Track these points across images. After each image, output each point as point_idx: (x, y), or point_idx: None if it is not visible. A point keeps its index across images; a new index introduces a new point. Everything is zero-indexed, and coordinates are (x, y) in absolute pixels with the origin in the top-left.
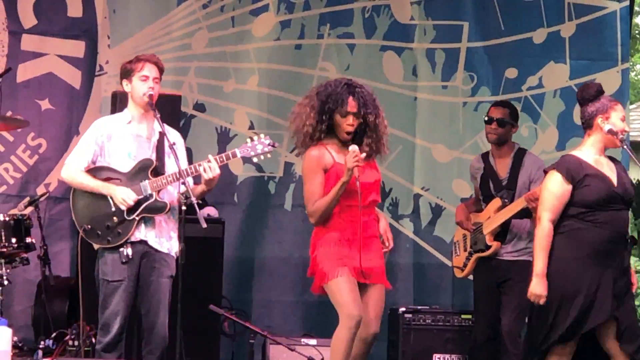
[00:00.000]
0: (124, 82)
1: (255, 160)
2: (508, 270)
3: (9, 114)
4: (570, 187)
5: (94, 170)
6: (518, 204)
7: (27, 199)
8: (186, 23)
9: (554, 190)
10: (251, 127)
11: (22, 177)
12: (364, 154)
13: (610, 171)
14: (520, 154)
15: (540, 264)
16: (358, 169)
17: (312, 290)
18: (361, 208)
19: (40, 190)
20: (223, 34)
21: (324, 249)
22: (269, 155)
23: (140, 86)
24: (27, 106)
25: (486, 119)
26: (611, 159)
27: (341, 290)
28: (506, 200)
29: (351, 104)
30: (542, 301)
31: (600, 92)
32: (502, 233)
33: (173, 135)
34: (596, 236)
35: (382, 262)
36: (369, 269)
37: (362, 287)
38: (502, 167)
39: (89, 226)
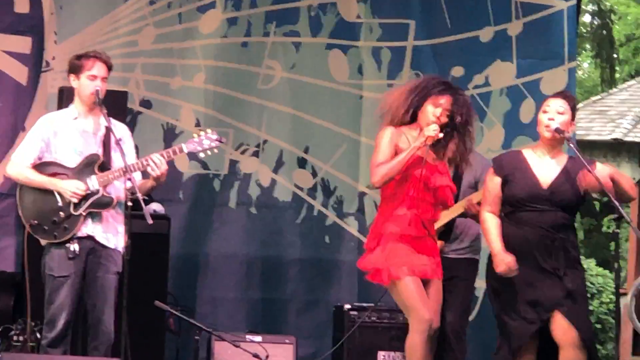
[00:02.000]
0: (72, 77)
1: (202, 155)
2: (453, 268)
3: None
4: (498, 179)
5: (41, 166)
6: (458, 208)
7: None
8: (133, 19)
9: (487, 183)
10: (197, 124)
11: None
12: (441, 135)
13: (548, 171)
14: None
15: (497, 245)
16: (430, 170)
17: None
18: (427, 204)
19: None
20: (170, 30)
21: (390, 244)
22: (215, 151)
23: (88, 84)
24: None
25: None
26: (574, 159)
27: (410, 292)
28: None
29: (448, 99)
30: (514, 267)
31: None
32: (447, 231)
33: (120, 129)
34: (519, 236)
35: (439, 257)
36: (430, 266)
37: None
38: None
39: (36, 221)
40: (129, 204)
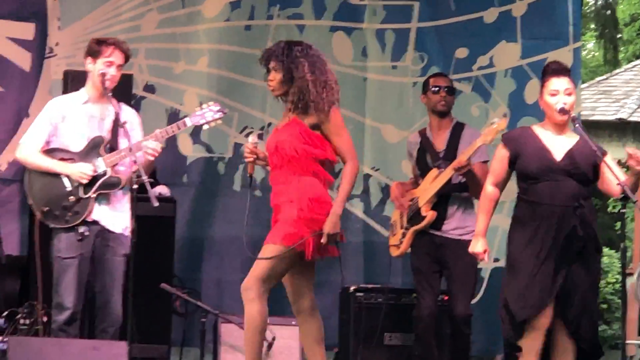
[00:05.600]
0: (88, 59)
1: (206, 127)
2: (453, 249)
3: None
4: (507, 152)
5: (48, 152)
6: (447, 171)
7: None
8: (136, 4)
9: (495, 155)
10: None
11: None
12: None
13: (560, 144)
14: (459, 127)
15: (479, 225)
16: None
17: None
18: (276, 168)
19: None
20: (173, 15)
21: None
22: (219, 122)
23: (103, 69)
24: None
25: (435, 89)
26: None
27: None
28: (443, 169)
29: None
30: (480, 258)
31: (545, 70)
32: (443, 207)
33: (129, 113)
34: (536, 215)
35: (281, 225)
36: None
37: None
38: (440, 140)
39: (47, 208)
40: (135, 187)
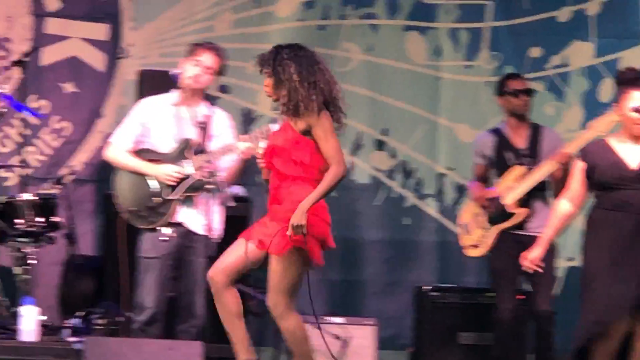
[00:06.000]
0: (183, 61)
1: None
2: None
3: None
4: (583, 164)
5: (137, 153)
6: (547, 167)
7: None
8: (210, 5)
9: (573, 170)
10: (275, 108)
11: (48, 160)
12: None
13: (635, 154)
14: (537, 126)
15: (545, 234)
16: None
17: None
18: (274, 171)
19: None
20: (247, 15)
21: None
22: None
23: (190, 69)
24: (52, 89)
25: (514, 91)
26: None
27: None
28: (530, 167)
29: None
30: (520, 261)
31: (622, 79)
32: (525, 205)
33: (221, 117)
34: (609, 220)
35: (276, 229)
36: (262, 237)
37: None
38: (520, 139)
39: (133, 208)
40: (210, 187)
